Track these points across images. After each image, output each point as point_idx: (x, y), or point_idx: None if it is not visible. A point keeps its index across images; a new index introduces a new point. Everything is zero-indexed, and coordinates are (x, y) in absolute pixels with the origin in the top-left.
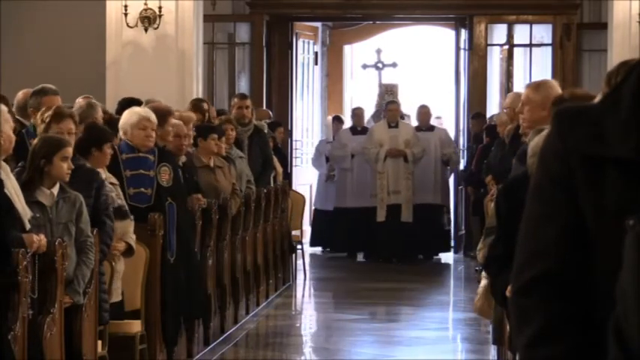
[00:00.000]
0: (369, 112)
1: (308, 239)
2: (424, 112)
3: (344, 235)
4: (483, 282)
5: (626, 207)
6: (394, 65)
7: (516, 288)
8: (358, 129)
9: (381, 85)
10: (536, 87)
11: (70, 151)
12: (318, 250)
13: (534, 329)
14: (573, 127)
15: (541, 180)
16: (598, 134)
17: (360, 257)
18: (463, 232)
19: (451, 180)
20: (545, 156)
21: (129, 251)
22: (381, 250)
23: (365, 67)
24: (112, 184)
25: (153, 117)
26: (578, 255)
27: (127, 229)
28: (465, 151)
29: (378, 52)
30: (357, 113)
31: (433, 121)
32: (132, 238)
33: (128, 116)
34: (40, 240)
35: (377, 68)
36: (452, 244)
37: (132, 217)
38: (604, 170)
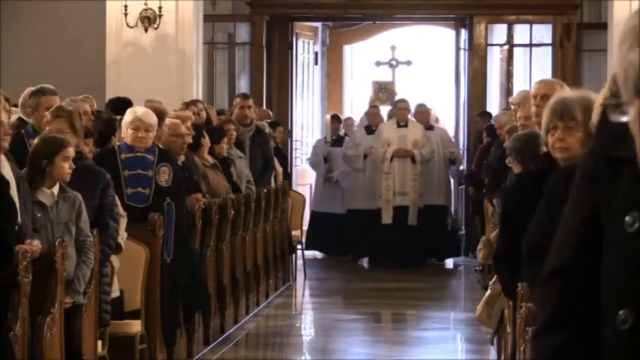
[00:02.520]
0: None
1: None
2: (423, 112)
3: (354, 237)
4: (488, 292)
5: (628, 206)
6: (409, 63)
7: (542, 278)
8: (373, 128)
9: (374, 83)
10: (561, 85)
11: (71, 151)
12: (317, 254)
13: (542, 320)
14: (606, 126)
15: (577, 176)
16: (621, 135)
17: (365, 262)
18: (463, 232)
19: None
20: (586, 153)
21: (117, 248)
22: (386, 253)
23: (379, 64)
24: None
25: (148, 117)
26: (590, 252)
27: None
28: (465, 151)
29: (393, 48)
30: (372, 112)
31: (432, 123)
32: (120, 235)
33: (126, 115)
34: (32, 246)
35: (391, 66)
36: (462, 246)
37: (124, 213)
38: (619, 170)
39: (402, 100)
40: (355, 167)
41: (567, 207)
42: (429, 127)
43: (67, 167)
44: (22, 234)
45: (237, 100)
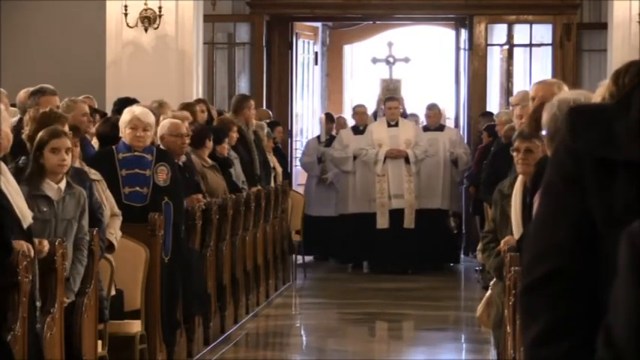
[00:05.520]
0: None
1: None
2: (433, 114)
3: (347, 243)
4: (489, 292)
5: (634, 209)
6: (406, 60)
7: (524, 286)
8: (360, 128)
9: (382, 81)
10: (559, 85)
11: (60, 143)
12: (312, 258)
13: (539, 328)
14: (586, 127)
15: (553, 178)
16: (609, 136)
17: (363, 268)
18: (463, 232)
19: None
20: (558, 155)
21: (110, 247)
22: (383, 259)
23: (375, 61)
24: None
25: (146, 116)
26: (586, 255)
27: (109, 225)
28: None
29: (390, 45)
30: (359, 111)
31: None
32: (112, 234)
33: (124, 115)
34: (31, 249)
35: (387, 63)
36: (461, 253)
37: (119, 212)
38: (614, 172)
39: (392, 99)
40: (344, 169)
41: (544, 209)
42: (439, 128)
43: (56, 159)
44: (30, 231)
45: (252, 101)
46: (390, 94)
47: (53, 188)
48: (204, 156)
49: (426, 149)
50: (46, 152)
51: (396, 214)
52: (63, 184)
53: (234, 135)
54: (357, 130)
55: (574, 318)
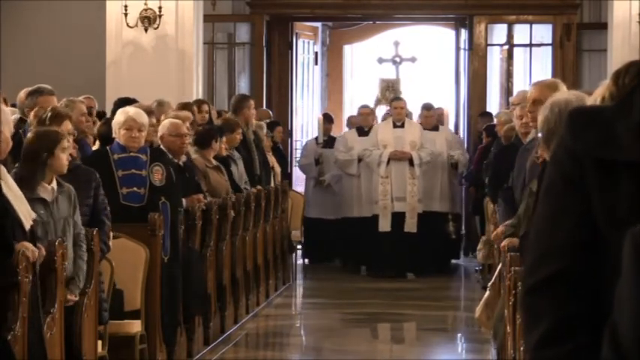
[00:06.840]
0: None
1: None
2: (430, 115)
3: (347, 246)
4: (487, 293)
5: (636, 210)
6: (413, 60)
7: (527, 287)
8: (365, 130)
9: (381, 81)
10: (554, 86)
11: (66, 143)
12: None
13: (543, 330)
14: (586, 128)
15: (554, 179)
16: (610, 137)
17: (362, 271)
18: (463, 232)
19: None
20: (558, 156)
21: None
22: (383, 263)
23: (381, 61)
24: None
25: (141, 117)
26: (590, 256)
27: None
28: (466, 151)
29: (396, 44)
30: (364, 112)
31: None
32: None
33: (117, 116)
34: (35, 251)
35: (394, 62)
36: (461, 251)
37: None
38: (616, 173)
39: (398, 99)
40: (349, 172)
41: (545, 210)
42: (434, 128)
43: (64, 159)
44: (34, 234)
45: (251, 101)
46: (389, 94)
47: (47, 189)
48: (209, 156)
49: (432, 151)
50: (58, 152)
51: (399, 217)
52: (54, 184)
53: (238, 137)
54: (362, 131)
55: (578, 319)
